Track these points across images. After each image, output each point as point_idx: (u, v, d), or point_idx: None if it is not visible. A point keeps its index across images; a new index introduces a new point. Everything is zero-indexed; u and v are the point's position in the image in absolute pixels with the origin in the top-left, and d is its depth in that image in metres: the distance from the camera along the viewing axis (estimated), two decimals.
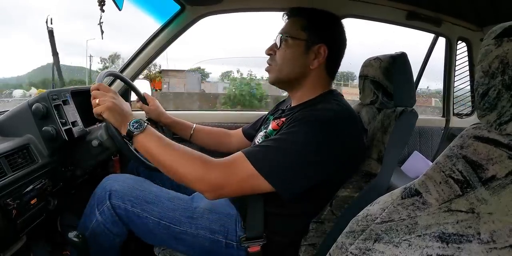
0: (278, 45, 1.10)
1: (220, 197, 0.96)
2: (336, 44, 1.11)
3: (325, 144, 0.92)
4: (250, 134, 1.48)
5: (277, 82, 1.14)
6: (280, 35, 1.10)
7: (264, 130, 1.21)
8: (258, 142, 1.21)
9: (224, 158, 0.95)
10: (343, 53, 1.15)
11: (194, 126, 1.57)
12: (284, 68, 1.10)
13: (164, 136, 1.00)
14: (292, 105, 1.18)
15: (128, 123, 0.98)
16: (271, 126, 1.17)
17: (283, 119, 1.12)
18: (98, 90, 1.05)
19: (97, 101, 1.00)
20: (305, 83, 1.11)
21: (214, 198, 0.94)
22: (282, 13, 1.17)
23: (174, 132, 1.60)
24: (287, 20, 1.15)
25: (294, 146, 0.91)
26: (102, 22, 1.07)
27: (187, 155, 0.94)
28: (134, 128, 0.97)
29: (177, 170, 0.93)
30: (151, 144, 0.97)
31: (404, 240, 0.51)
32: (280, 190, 0.91)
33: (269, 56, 1.15)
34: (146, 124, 0.99)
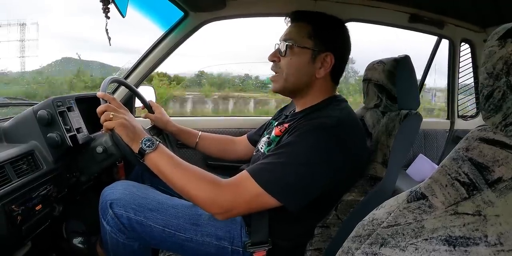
0: (284, 52, 1.07)
1: (231, 217, 0.97)
2: (342, 52, 1.10)
3: (330, 152, 0.92)
4: (255, 140, 1.46)
5: (282, 91, 1.13)
6: (285, 42, 1.07)
7: (267, 136, 1.21)
8: (261, 148, 1.20)
9: (231, 178, 0.95)
10: (348, 60, 1.13)
11: (199, 134, 1.55)
12: (290, 77, 1.08)
13: (175, 155, 1.00)
14: (295, 111, 1.18)
15: (140, 141, 0.98)
16: (274, 132, 1.16)
17: (286, 125, 1.12)
18: (109, 103, 1.05)
19: (110, 115, 1.00)
20: (310, 91, 1.10)
21: (225, 218, 0.96)
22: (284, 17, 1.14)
23: (179, 140, 1.60)
24: (289, 24, 1.12)
25: (298, 159, 0.91)
26: (107, 29, 1.07)
27: (197, 177, 0.95)
28: (147, 147, 0.97)
29: (188, 192, 0.94)
30: (163, 163, 0.97)
31: (410, 244, 0.51)
32: (288, 205, 0.92)
33: (272, 63, 1.12)
34: (158, 142, 0.99)
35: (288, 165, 0.91)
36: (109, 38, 1.10)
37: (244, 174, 0.94)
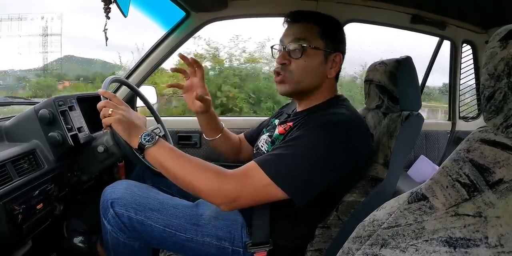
0: (299, 54, 1.04)
1: (235, 209, 0.95)
2: (344, 51, 1.11)
3: (337, 147, 0.92)
4: (255, 140, 1.40)
5: (291, 94, 1.11)
6: (298, 43, 1.05)
7: (268, 134, 1.20)
8: (261, 146, 1.20)
9: (237, 168, 0.94)
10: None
11: (221, 134, 1.37)
12: (303, 79, 1.06)
13: (176, 148, 0.99)
14: (298, 110, 1.17)
15: (139, 136, 0.96)
16: (278, 130, 1.15)
17: (290, 123, 1.11)
18: (110, 100, 1.04)
19: (109, 111, 0.99)
20: (317, 91, 1.10)
21: (229, 209, 0.94)
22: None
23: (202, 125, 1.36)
24: (286, 25, 1.11)
25: (307, 152, 0.91)
26: (106, 29, 1.08)
27: (201, 167, 0.94)
28: (146, 141, 0.95)
29: (191, 183, 0.92)
30: (164, 157, 0.95)
31: (411, 245, 0.50)
32: (295, 197, 0.90)
33: (280, 65, 1.08)
34: (157, 137, 0.97)
35: (297, 157, 0.90)
36: (106, 38, 1.10)
37: (251, 164, 0.93)
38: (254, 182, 0.89)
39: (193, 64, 1.21)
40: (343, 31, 1.13)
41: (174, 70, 1.25)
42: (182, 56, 1.19)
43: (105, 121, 0.99)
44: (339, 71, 1.13)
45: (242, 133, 1.51)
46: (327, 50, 1.05)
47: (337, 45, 1.07)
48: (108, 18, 1.05)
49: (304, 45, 1.04)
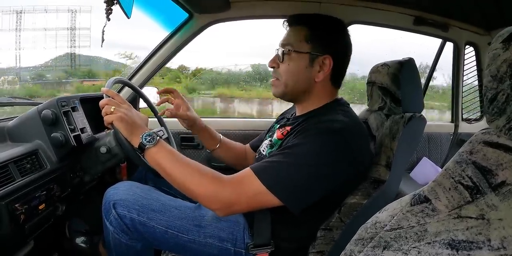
0: (281, 58, 1.07)
1: (231, 214, 0.96)
2: (341, 53, 1.09)
3: (335, 156, 0.92)
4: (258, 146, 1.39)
5: (281, 96, 1.12)
6: (283, 48, 1.07)
7: (269, 138, 1.20)
8: (263, 150, 1.20)
9: (234, 174, 0.95)
10: (349, 61, 1.12)
11: (219, 143, 1.43)
12: (289, 82, 1.07)
13: (176, 151, 1.00)
14: (297, 114, 1.17)
15: (140, 136, 0.97)
16: (276, 135, 1.16)
17: (288, 128, 1.11)
18: (112, 98, 1.04)
19: (111, 109, 0.99)
20: (310, 95, 1.10)
21: (225, 215, 0.95)
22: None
23: (200, 138, 1.46)
24: (287, 28, 1.11)
25: (304, 160, 0.91)
26: (104, 31, 1.08)
27: (198, 172, 0.94)
28: (147, 142, 0.96)
29: (188, 187, 0.93)
30: (163, 159, 0.96)
31: (413, 247, 0.50)
32: (290, 205, 0.91)
33: (272, 69, 1.12)
34: (158, 137, 0.98)
35: (293, 165, 0.91)
36: (103, 40, 1.11)
37: (247, 171, 0.93)
38: (250, 189, 0.90)
39: (166, 92, 1.40)
40: (337, 33, 1.09)
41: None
42: (160, 92, 1.42)
43: (107, 118, 0.99)
44: (341, 74, 1.12)
45: (248, 143, 1.51)
46: (313, 53, 1.04)
47: (326, 47, 1.05)
48: (108, 19, 1.06)
49: (287, 49, 1.06)
